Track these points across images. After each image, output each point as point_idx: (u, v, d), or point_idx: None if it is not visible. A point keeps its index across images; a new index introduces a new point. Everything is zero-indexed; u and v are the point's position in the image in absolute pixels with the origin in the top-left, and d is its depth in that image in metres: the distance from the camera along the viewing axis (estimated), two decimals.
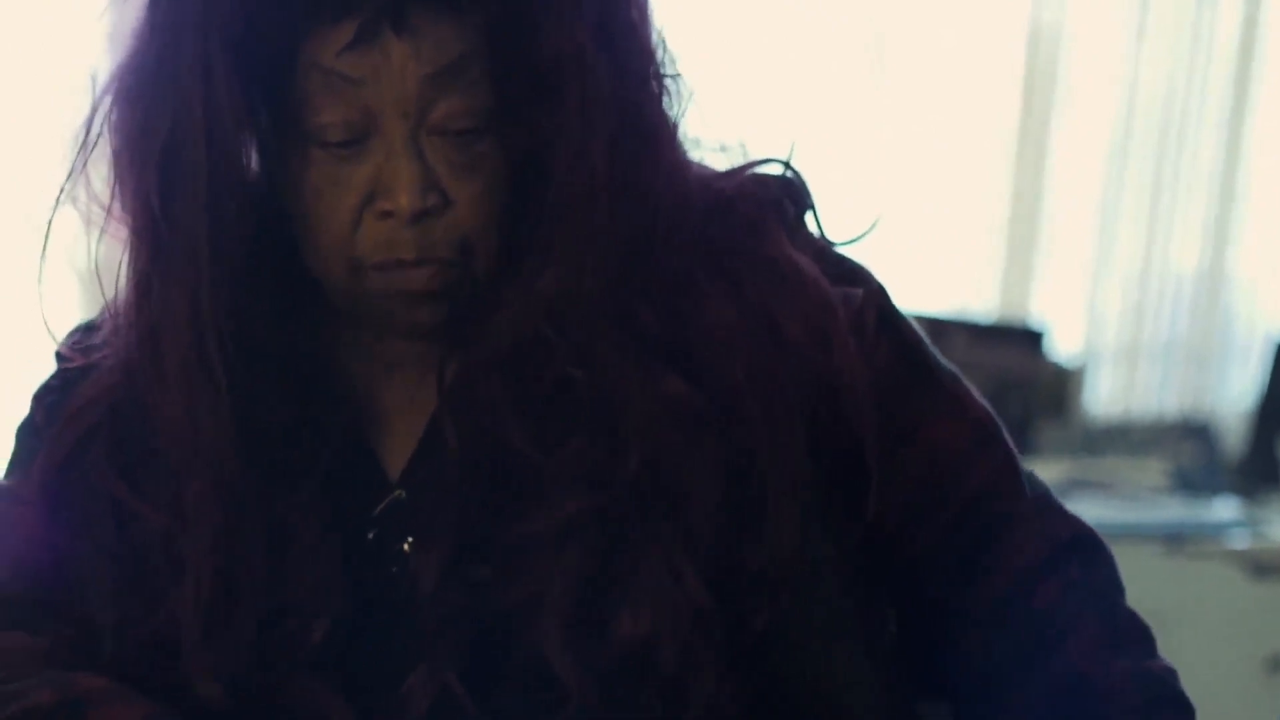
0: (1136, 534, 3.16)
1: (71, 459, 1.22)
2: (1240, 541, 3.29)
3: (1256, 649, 3.23)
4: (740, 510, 1.18)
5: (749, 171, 1.25)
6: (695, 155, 1.24)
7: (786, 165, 1.26)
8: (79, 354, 1.25)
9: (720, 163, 1.25)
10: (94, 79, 1.18)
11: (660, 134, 1.19)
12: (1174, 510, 3.39)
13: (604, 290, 1.17)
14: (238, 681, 1.18)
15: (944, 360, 1.28)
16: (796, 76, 3.82)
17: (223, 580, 1.18)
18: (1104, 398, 4.04)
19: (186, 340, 1.16)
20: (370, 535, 1.22)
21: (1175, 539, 3.23)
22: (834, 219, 1.27)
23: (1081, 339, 4.04)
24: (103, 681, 1.18)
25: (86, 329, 1.27)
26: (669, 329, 1.19)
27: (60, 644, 1.21)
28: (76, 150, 1.19)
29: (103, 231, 1.19)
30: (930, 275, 3.91)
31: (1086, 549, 1.26)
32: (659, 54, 1.19)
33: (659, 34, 1.20)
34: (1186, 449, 3.65)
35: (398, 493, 1.22)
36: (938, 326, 3.36)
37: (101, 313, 1.24)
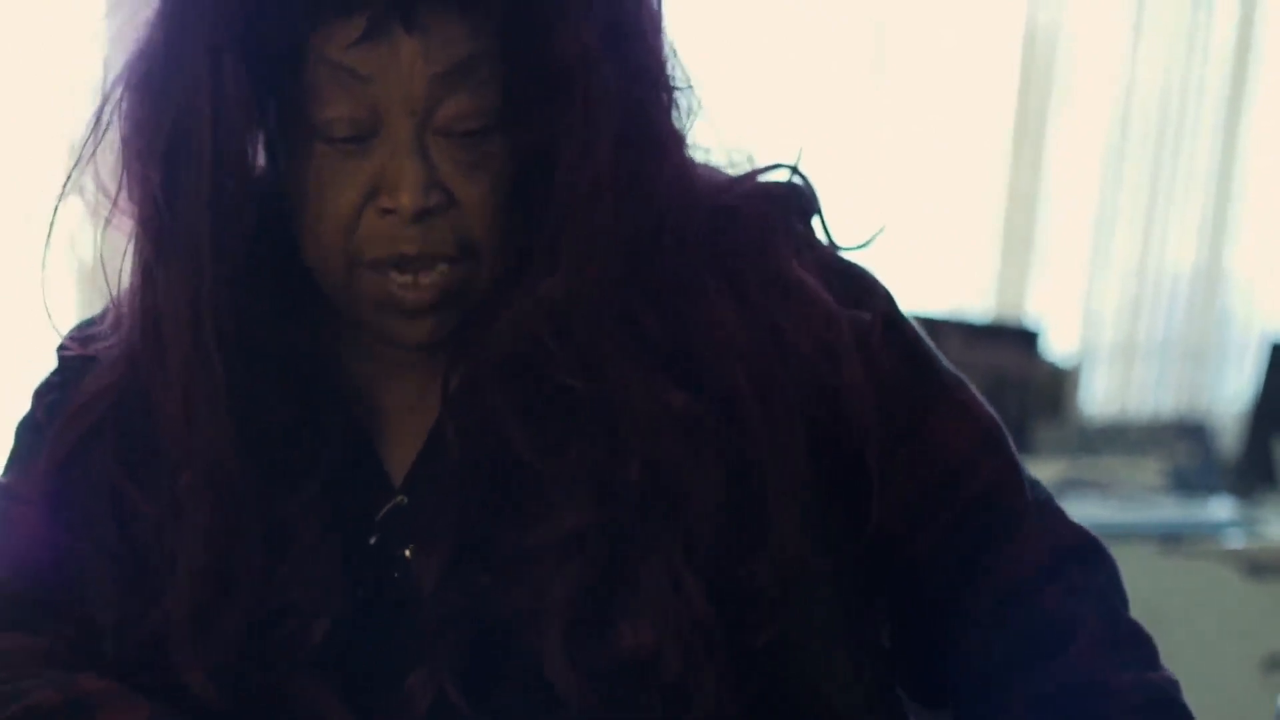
0: (1132, 534, 3.16)
1: (74, 456, 1.22)
2: (1236, 541, 3.30)
3: (1253, 649, 3.23)
4: (742, 519, 1.18)
5: (755, 180, 1.25)
6: (702, 161, 1.24)
7: (794, 170, 1.26)
8: (79, 344, 1.25)
9: (727, 169, 1.25)
10: (106, 68, 1.18)
11: (667, 140, 1.19)
12: (1170, 510, 3.39)
13: (608, 294, 1.17)
14: (236, 681, 1.18)
15: (949, 365, 1.28)
16: (794, 76, 3.82)
17: (215, 575, 1.17)
18: (1100, 397, 4.04)
19: (188, 331, 1.16)
20: (372, 540, 1.22)
21: (1171, 539, 3.24)
22: (836, 221, 1.27)
23: (1077, 339, 4.04)
24: (105, 683, 1.18)
25: (87, 324, 1.27)
26: (672, 335, 1.19)
27: (59, 644, 1.21)
28: (86, 139, 1.19)
29: (108, 223, 1.19)
30: (926, 275, 3.91)
31: (1089, 555, 1.25)
32: (670, 65, 1.19)
33: (670, 45, 1.19)
34: (1183, 449, 3.66)
35: (400, 498, 1.22)
36: (933, 326, 3.34)
37: (104, 306, 1.24)
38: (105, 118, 1.18)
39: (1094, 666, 1.21)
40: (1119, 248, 4.05)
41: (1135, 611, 1.26)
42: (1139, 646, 1.23)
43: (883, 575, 1.26)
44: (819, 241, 1.26)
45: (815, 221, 1.26)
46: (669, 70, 1.19)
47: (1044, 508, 1.26)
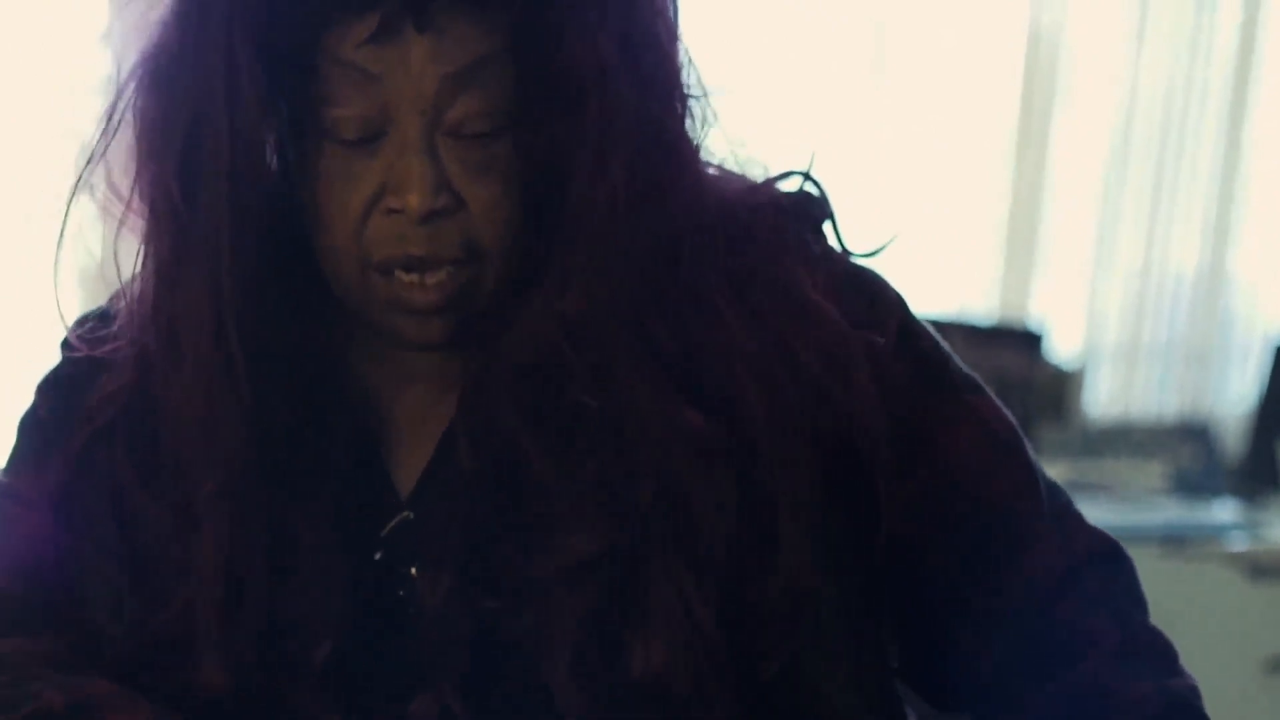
0: (1135, 536, 3.15)
1: (82, 459, 1.21)
2: (1239, 544, 3.30)
3: (1255, 651, 3.23)
4: (752, 541, 1.17)
5: (767, 189, 1.23)
6: (714, 169, 1.23)
7: (807, 177, 1.25)
8: (87, 345, 1.23)
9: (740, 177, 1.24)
10: (119, 66, 1.18)
11: (683, 151, 1.18)
12: (1173, 512, 3.39)
13: (622, 309, 1.16)
14: (241, 690, 1.17)
15: (966, 369, 1.27)
16: (794, 76, 3.82)
17: (229, 582, 1.17)
18: (1103, 399, 4.04)
19: (208, 332, 1.15)
20: (377, 555, 1.21)
21: (1174, 541, 3.24)
22: (847, 225, 1.26)
23: (1081, 340, 4.04)
24: (110, 686, 1.17)
25: (100, 316, 1.25)
26: (685, 353, 1.17)
27: (59, 646, 1.21)
28: (98, 137, 1.18)
29: (121, 223, 1.19)
30: (929, 277, 3.91)
31: (1107, 562, 1.24)
32: (685, 74, 1.18)
33: (686, 54, 1.19)
34: (1186, 451, 3.65)
35: (406, 514, 1.21)
36: (936, 328, 3.36)
37: (113, 302, 1.23)
38: (117, 116, 1.17)
39: (1110, 676, 1.19)
40: (1122, 249, 4.05)
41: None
42: (1157, 654, 1.22)
43: (895, 590, 1.24)
44: (831, 250, 1.25)
45: (827, 227, 1.25)
46: (684, 78, 1.18)
47: (1062, 515, 1.25)
